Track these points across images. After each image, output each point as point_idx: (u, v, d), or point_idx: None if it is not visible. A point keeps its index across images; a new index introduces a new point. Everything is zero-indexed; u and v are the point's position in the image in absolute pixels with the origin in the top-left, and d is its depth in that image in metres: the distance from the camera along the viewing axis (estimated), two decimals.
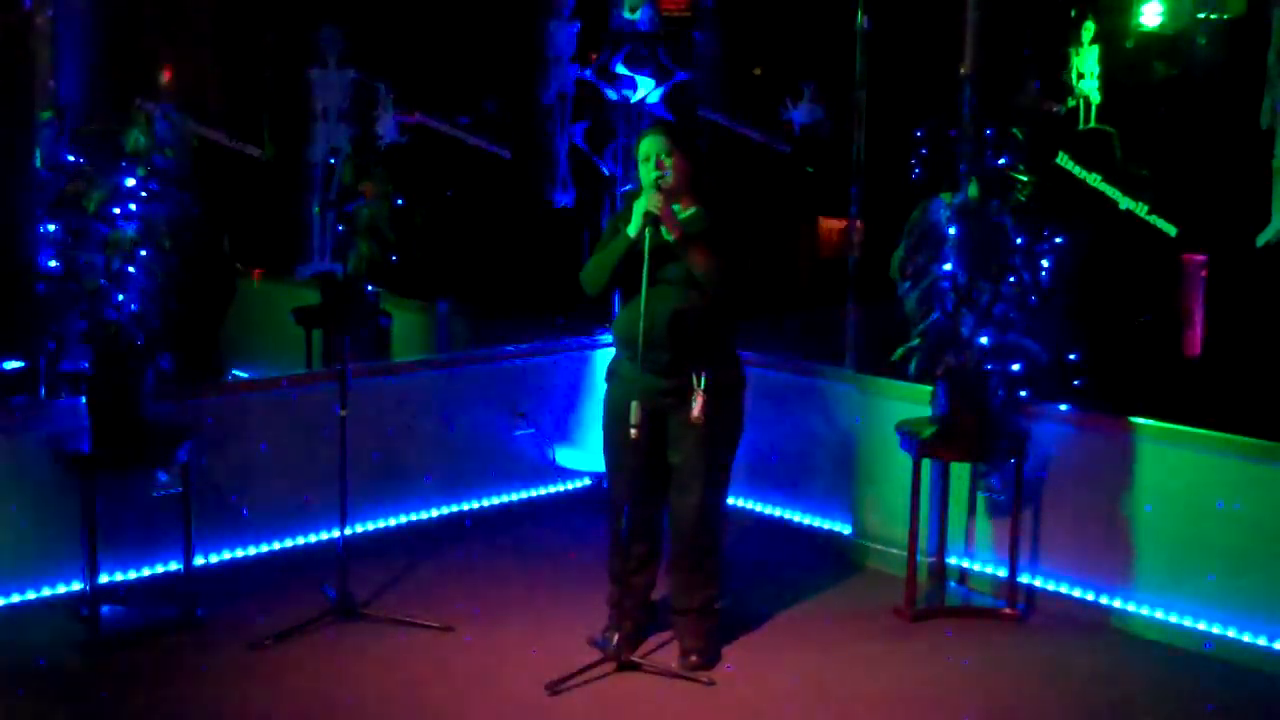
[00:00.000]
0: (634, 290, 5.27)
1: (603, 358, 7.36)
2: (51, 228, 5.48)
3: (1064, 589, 6.04)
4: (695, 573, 5.51)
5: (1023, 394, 6.04)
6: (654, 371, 5.31)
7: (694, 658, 5.43)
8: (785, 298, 7.90)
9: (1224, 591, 5.62)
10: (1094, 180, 6.02)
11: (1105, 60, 5.98)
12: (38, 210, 5.56)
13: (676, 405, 5.32)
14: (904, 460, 6.05)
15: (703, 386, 5.25)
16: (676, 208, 5.38)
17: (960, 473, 6.22)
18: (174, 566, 5.94)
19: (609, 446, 5.53)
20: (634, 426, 5.16)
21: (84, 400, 5.61)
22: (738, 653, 5.58)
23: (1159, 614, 5.78)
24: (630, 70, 7.19)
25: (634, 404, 5.17)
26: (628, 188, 7.12)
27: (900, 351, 6.00)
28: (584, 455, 7.34)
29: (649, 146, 5.37)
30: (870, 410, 6.58)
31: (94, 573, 5.55)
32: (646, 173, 5.35)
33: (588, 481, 7.39)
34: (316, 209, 7.04)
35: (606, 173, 7.38)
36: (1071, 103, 6.06)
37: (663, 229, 5.25)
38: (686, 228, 5.32)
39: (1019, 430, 6.00)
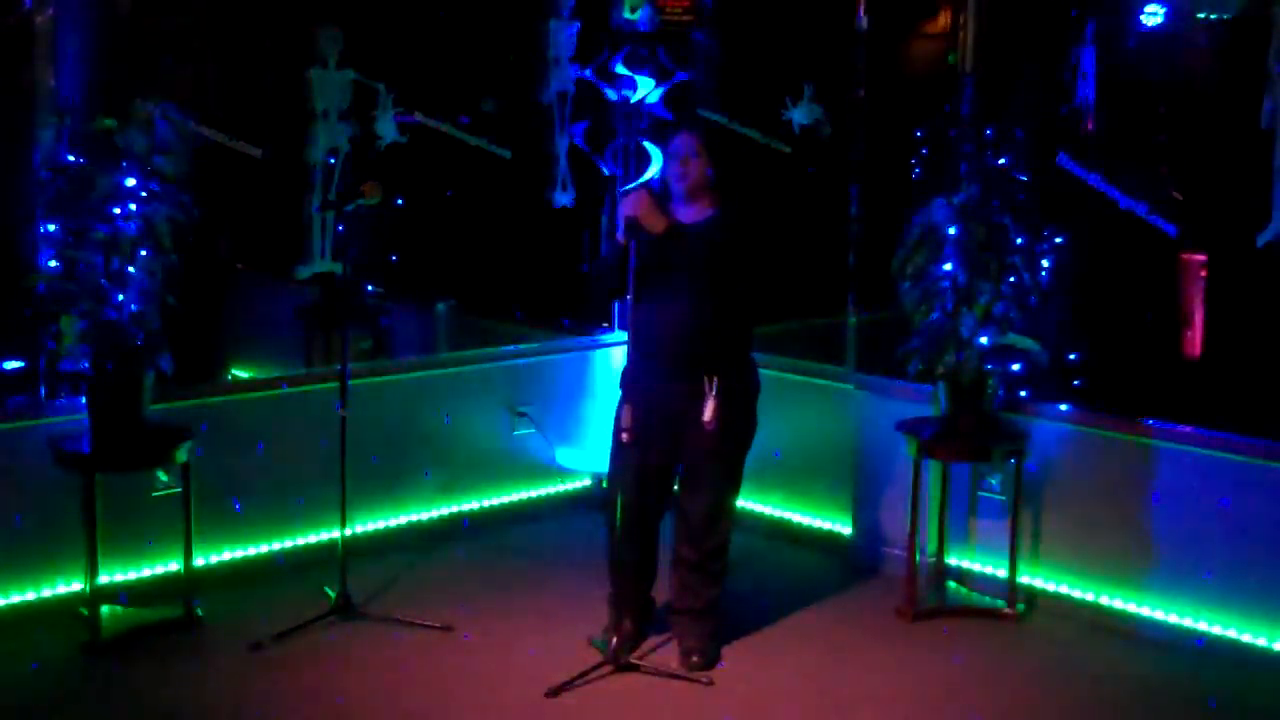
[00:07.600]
0: (644, 293, 5.27)
1: (603, 358, 7.37)
2: (51, 228, 5.48)
3: (1064, 589, 6.04)
4: (701, 573, 5.51)
5: (1023, 394, 6.05)
6: (665, 374, 5.31)
7: (695, 658, 5.43)
8: None
9: (1224, 591, 5.62)
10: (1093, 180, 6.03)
11: (1105, 60, 5.99)
12: (38, 210, 5.56)
13: (688, 408, 5.31)
14: (904, 460, 6.05)
15: (715, 389, 5.26)
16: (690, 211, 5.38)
17: (960, 473, 6.21)
18: (174, 566, 5.94)
19: (613, 448, 5.52)
20: (625, 430, 5.17)
21: (84, 400, 5.61)
22: (738, 653, 5.58)
23: (1159, 614, 5.78)
24: (630, 70, 7.19)
25: (626, 407, 5.18)
26: (627, 188, 7.11)
27: (900, 351, 6.00)
28: (584, 455, 7.33)
29: (680, 144, 5.44)
30: (870, 410, 6.58)
31: (94, 573, 5.56)
32: (672, 168, 5.41)
33: (588, 481, 7.39)
34: (317, 209, 7.04)
35: (606, 173, 7.37)
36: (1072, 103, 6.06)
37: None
38: (700, 229, 5.32)
39: (1019, 430, 6.00)
